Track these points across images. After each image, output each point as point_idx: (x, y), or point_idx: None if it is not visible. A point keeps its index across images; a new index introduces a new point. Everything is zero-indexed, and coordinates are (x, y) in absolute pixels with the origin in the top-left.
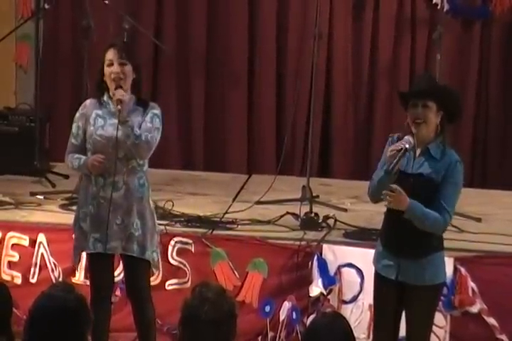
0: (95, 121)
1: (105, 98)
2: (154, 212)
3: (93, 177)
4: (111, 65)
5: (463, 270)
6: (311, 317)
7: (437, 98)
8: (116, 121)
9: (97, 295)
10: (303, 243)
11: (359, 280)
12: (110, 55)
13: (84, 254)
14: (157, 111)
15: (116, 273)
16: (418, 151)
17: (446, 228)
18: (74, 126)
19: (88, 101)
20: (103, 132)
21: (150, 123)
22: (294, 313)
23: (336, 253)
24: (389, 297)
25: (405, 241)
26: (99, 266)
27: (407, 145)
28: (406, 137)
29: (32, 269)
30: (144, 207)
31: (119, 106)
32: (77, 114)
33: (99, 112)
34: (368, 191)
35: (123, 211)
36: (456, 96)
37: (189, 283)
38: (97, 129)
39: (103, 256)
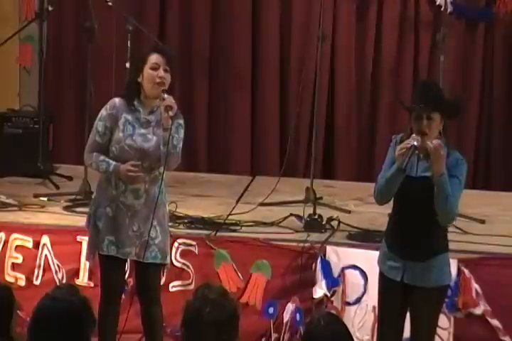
0: (125, 126)
1: (136, 103)
2: (168, 215)
3: (113, 180)
4: (156, 68)
5: (466, 271)
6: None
7: (443, 110)
8: (144, 131)
9: (108, 297)
10: (306, 245)
11: (363, 281)
12: (156, 58)
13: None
14: (181, 120)
15: None
16: (421, 155)
17: (453, 220)
18: (100, 124)
19: (117, 101)
20: (132, 142)
21: (176, 134)
22: (297, 315)
23: (339, 255)
24: (394, 298)
25: (411, 243)
26: (112, 267)
27: (415, 143)
28: (413, 135)
29: (36, 271)
30: (163, 212)
31: (170, 113)
32: (104, 113)
33: (129, 117)
34: (374, 193)
35: (141, 218)
36: (461, 105)
37: (193, 284)
38: (126, 138)
39: (116, 258)
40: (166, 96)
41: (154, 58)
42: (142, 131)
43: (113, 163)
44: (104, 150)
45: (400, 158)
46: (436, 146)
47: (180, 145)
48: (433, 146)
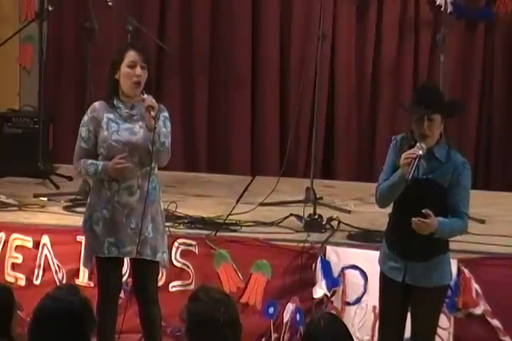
0: (108, 125)
1: (115, 101)
2: (163, 214)
3: (106, 182)
4: (133, 66)
5: (466, 271)
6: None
7: (443, 112)
8: (130, 125)
9: (105, 296)
10: (306, 245)
11: (363, 281)
12: (132, 56)
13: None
14: (167, 113)
15: None
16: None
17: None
18: (83, 129)
19: (97, 104)
20: (119, 137)
21: (164, 128)
22: (297, 315)
23: (339, 255)
24: (395, 297)
25: (412, 244)
26: (109, 268)
27: (420, 152)
28: (418, 144)
29: (36, 271)
30: (156, 209)
31: (153, 113)
32: (86, 118)
33: (111, 116)
34: (375, 196)
35: (137, 215)
36: (460, 106)
37: (193, 284)
38: (111, 134)
39: (113, 258)
40: (145, 96)
41: (131, 56)
42: (127, 125)
43: (101, 163)
44: (91, 155)
45: (406, 167)
46: (416, 223)
47: (169, 139)
48: (414, 225)
